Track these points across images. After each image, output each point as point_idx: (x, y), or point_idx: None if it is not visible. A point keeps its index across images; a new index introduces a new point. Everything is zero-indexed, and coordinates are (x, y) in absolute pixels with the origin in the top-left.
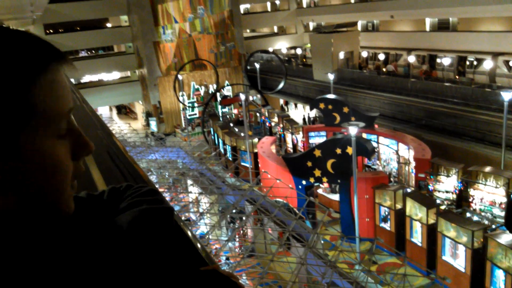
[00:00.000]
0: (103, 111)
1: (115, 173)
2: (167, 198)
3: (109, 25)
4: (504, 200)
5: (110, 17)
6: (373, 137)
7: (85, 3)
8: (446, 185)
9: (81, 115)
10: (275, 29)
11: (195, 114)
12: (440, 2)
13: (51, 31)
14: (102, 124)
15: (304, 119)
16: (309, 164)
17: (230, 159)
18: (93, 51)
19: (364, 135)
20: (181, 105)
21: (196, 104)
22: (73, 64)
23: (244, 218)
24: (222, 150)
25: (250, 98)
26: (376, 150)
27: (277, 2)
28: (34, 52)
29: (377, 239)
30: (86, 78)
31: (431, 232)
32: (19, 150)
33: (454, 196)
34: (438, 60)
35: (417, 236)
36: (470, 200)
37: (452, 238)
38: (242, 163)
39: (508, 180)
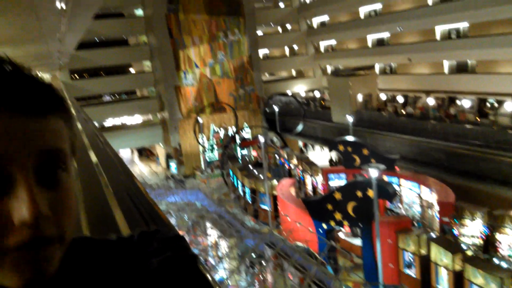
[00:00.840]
0: (125, 154)
1: (136, 215)
2: None
3: (132, 70)
4: None
5: (133, 62)
6: (394, 179)
7: (109, 50)
8: (472, 229)
9: (104, 157)
10: (293, 72)
11: (215, 156)
12: (457, 44)
13: (77, 76)
14: (124, 167)
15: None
16: (330, 207)
17: (250, 201)
18: (117, 95)
19: (385, 178)
20: (200, 147)
21: (215, 146)
22: (65, 113)
23: (263, 262)
24: (241, 193)
25: (269, 140)
26: (398, 193)
27: (295, 47)
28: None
29: (401, 286)
30: (110, 122)
31: (458, 279)
32: None
33: (480, 241)
34: (458, 102)
35: (443, 283)
36: (497, 245)
37: (480, 286)
38: (261, 206)
39: None
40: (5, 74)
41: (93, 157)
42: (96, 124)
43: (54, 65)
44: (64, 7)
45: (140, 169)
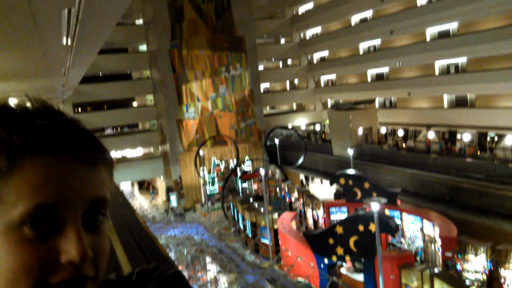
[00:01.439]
0: (125, 187)
1: (136, 250)
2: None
3: (135, 103)
4: None
5: (136, 96)
6: (396, 213)
7: (113, 84)
8: (475, 264)
9: None
10: (294, 106)
11: (215, 189)
12: (456, 79)
13: (79, 109)
14: (125, 200)
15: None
16: (331, 241)
17: (250, 235)
18: (118, 128)
19: (387, 212)
20: (201, 180)
21: (216, 179)
22: (103, 164)
23: None
24: (241, 226)
25: (270, 173)
26: (400, 227)
27: (296, 81)
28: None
29: None
30: (111, 155)
31: None
32: None
33: (484, 276)
34: (458, 136)
35: None
36: (502, 281)
37: None
38: (262, 240)
39: None
40: (67, 124)
41: None
42: None
43: (58, 98)
44: (70, 42)
45: (141, 202)
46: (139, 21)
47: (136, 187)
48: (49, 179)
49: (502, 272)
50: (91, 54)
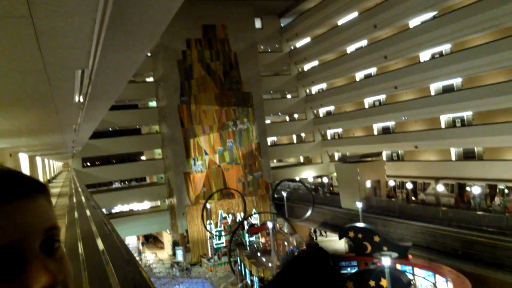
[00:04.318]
0: (131, 240)
1: None
2: None
3: (143, 157)
4: None
5: (145, 150)
6: (408, 268)
7: (122, 139)
8: None
9: (110, 245)
10: (301, 159)
11: (222, 243)
12: (462, 133)
13: (88, 164)
14: (130, 255)
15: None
16: None
17: None
18: (126, 182)
19: (398, 266)
20: (208, 234)
21: (223, 233)
22: (41, 194)
23: None
24: (249, 282)
25: (278, 226)
26: (412, 282)
27: (302, 134)
28: None
29: None
30: (118, 208)
31: None
32: None
33: None
34: (468, 189)
35: None
36: None
37: None
38: None
39: None
40: None
41: (100, 245)
42: (105, 211)
43: (68, 153)
44: (82, 100)
45: (146, 256)
46: (150, 79)
47: (141, 241)
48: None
49: None
50: (102, 110)
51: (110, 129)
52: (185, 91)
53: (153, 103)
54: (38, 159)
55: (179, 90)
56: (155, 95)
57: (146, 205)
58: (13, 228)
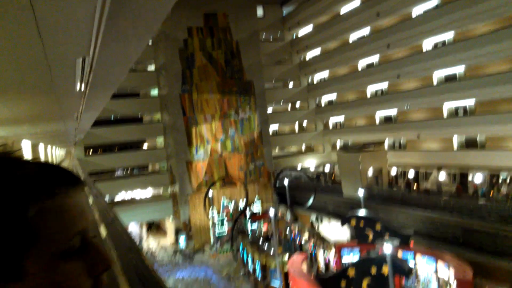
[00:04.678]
0: (133, 228)
1: None
2: None
3: (145, 145)
4: None
5: (146, 138)
6: (409, 255)
7: (124, 127)
8: None
9: (113, 232)
10: (303, 147)
11: (224, 230)
12: (465, 121)
13: (91, 152)
14: (132, 242)
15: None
16: (343, 284)
17: (259, 278)
18: (128, 170)
19: (400, 254)
20: (210, 222)
21: (225, 221)
22: (86, 186)
23: None
24: (251, 269)
25: (280, 214)
26: (413, 269)
27: (304, 124)
28: (37, 180)
29: None
30: (120, 197)
31: None
32: (23, 271)
33: None
34: (470, 178)
35: None
36: None
37: None
38: (272, 283)
39: None
40: (52, 165)
41: (103, 232)
42: (107, 199)
43: (70, 141)
44: (83, 89)
45: (149, 243)
46: (151, 67)
47: (144, 228)
48: (77, 210)
49: None
50: (103, 99)
51: (112, 117)
52: (186, 80)
53: (154, 92)
54: (41, 147)
55: (180, 79)
56: (157, 84)
57: (148, 193)
58: (83, 215)
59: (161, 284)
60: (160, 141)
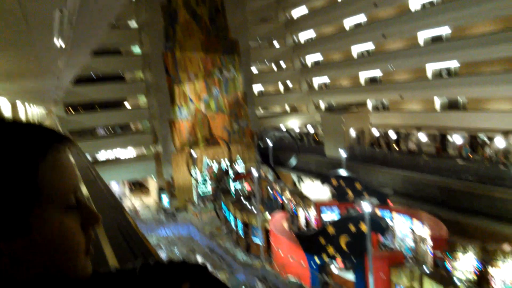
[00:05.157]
0: (117, 187)
1: (126, 250)
2: None
3: (127, 103)
4: None
5: (128, 97)
6: (387, 213)
7: (105, 85)
8: (465, 264)
9: (95, 190)
10: (287, 108)
11: (208, 190)
12: (448, 83)
13: (71, 110)
14: (115, 200)
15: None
16: (322, 241)
17: (242, 235)
18: (110, 129)
19: (378, 212)
20: (193, 181)
21: (208, 180)
22: (76, 144)
23: None
24: (233, 226)
25: (262, 174)
26: (390, 227)
27: (289, 83)
28: (36, 139)
29: None
30: (103, 156)
31: None
32: (29, 226)
33: (474, 275)
34: (450, 139)
35: None
36: (490, 279)
37: None
38: (254, 239)
39: None
40: (27, 125)
41: (85, 190)
42: (89, 158)
43: (50, 99)
44: (62, 44)
45: (132, 202)
46: (133, 24)
47: (127, 187)
48: (71, 167)
49: (491, 270)
50: (83, 55)
51: (94, 75)
52: (169, 37)
53: (136, 49)
54: (20, 105)
55: (163, 36)
56: (139, 41)
57: (131, 153)
58: (74, 172)
59: (143, 239)
60: (143, 100)
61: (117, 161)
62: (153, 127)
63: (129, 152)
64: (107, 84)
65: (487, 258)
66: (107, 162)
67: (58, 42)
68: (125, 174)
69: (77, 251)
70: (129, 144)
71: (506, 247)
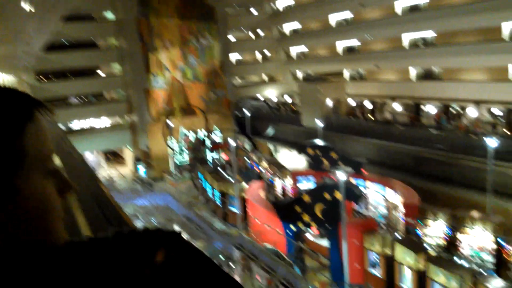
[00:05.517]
0: (92, 157)
1: (100, 219)
2: None
3: (100, 72)
4: (492, 245)
5: (102, 65)
6: (361, 182)
7: (78, 52)
8: (435, 230)
9: (69, 161)
10: (265, 77)
11: (185, 159)
12: (424, 53)
13: (43, 78)
14: (89, 170)
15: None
16: (298, 209)
17: (219, 204)
18: (84, 98)
19: (353, 181)
20: (170, 151)
21: (185, 150)
22: (54, 112)
23: (232, 264)
24: (210, 196)
25: (239, 143)
26: (364, 195)
27: (267, 53)
28: (23, 102)
29: (367, 285)
30: (78, 125)
31: (421, 278)
32: (15, 189)
33: (443, 241)
34: (424, 108)
35: (407, 282)
36: (459, 245)
37: (442, 284)
38: (231, 208)
39: (495, 225)
40: (9, 90)
41: (57, 161)
42: (63, 127)
43: (20, 66)
44: (32, 9)
45: (108, 172)
46: None
47: (103, 157)
48: (46, 131)
49: (459, 236)
50: (54, 21)
51: (66, 42)
52: (144, 3)
53: (110, 15)
54: None
55: (137, 1)
56: (112, 6)
57: (106, 122)
58: (50, 141)
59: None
60: (117, 67)
61: (91, 130)
62: (128, 96)
63: (103, 122)
64: (80, 51)
65: (456, 225)
66: (81, 131)
67: (26, 6)
68: (100, 144)
69: (56, 217)
70: (104, 113)
71: (474, 214)
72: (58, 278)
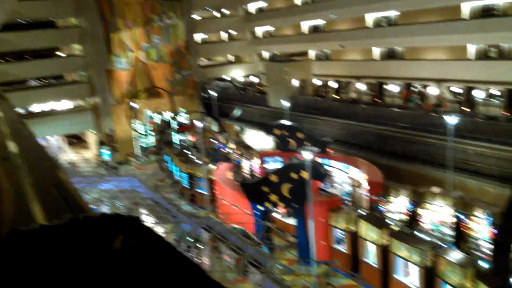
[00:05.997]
0: (53, 141)
1: (58, 207)
2: None
3: (60, 53)
4: (452, 219)
5: (62, 46)
6: (326, 161)
7: (36, 32)
8: (398, 206)
9: (26, 147)
10: (231, 57)
11: (151, 142)
12: (386, 32)
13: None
14: (48, 155)
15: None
16: (266, 189)
17: (187, 186)
18: (44, 80)
19: (318, 160)
20: (135, 133)
21: (151, 132)
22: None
23: (200, 246)
24: (178, 178)
25: (206, 125)
26: (329, 174)
27: (233, 32)
28: None
29: (333, 261)
30: (37, 108)
31: (385, 252)
32: None
33: (406, 216)
34: (388, 88)
35: (371, 257)
36: (420, 220)
37: (404, 258)
38: (199, 190)
39: (455, 199)
40: None
41: (13, 147)
42: (21, 111)
43: None
44: None
45: (71, 156)
46: None
47: (65, 141)
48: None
49: (421, 211)
50: None
51: (22, 21)
52: None
53: None
54: None
55: None
56: None
57: (68, 104)
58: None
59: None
60: (78, 48)
61: (52, 114)
62: (90, 78)
63: (66, 104)
64: (38, 31)
65: (417, 200)
66: (42, 115)
67: None
68: (62, 128)
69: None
70: (64, 96)
71: (434, 189)
72: None
